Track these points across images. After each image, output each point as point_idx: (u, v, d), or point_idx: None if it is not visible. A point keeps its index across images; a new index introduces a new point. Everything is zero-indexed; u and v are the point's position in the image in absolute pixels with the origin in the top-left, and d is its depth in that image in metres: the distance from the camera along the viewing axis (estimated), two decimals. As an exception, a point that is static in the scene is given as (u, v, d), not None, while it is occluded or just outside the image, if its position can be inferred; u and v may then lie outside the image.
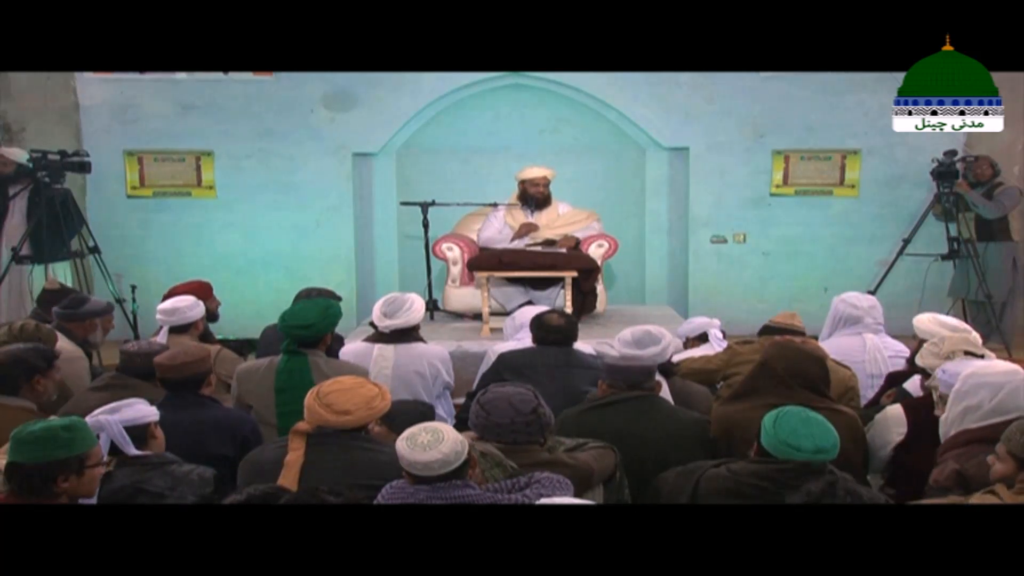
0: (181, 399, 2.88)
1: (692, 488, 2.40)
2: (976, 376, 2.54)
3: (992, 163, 6.16)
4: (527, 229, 5.42)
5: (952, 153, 6.09)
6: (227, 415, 2.94)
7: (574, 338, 3.61)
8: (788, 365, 2.84)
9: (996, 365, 2.62)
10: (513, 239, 5.45)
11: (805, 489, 1.95)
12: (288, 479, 2.38)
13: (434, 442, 2.08)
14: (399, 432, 2.35)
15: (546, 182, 5.51)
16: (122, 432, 2.41)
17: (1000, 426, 2.44)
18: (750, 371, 2.94)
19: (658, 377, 3.26)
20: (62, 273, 5.67)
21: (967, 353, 2.94)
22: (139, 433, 2.48)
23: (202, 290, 4.16)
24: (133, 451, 2.42)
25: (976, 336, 3.26)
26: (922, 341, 3.48)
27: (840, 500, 1.88)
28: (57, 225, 5.56)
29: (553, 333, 3.54)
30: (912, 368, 3.24)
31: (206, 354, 3.03)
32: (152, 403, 2.68)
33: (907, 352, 3.67)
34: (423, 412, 2.96)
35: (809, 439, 2.26)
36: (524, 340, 3.73)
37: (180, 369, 2.92)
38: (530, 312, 3.90)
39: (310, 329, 3.23)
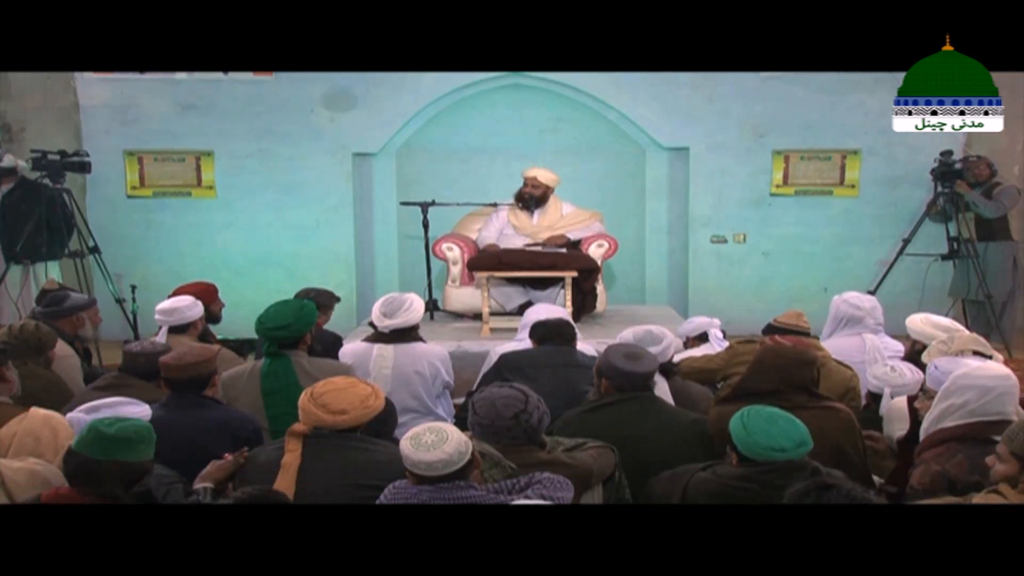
0: (184, 399, 2.88)
1: (681, 492, 2.41)
2: (966, 377, 2.52)
3: (990, 164, 6.16)
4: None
5: (948, 153, 6.09)
6: (229, 416, 2.93)
7: (574, 338, 3.61)
8: (781, 370, 2.82)
9: (989, 368, 2.60)
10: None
11: (798, 490, 1.93)
12: (285, 480, 2.38)
13: (438, 442, 2.08)
14: None
15: (536, 182, 5.51)
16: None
17: (978, 426, 2.45)
18: (744, 373, 2.93)
19: (657, 377, 3.27)
20: (43, 273, 5.63)
21: (976, 353, 2.94)
22: None
23: (207, 292, 4.16)
24: None
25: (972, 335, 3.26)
26: (915, 342, 3.48)
27: (832, 498, 1.87)
28: (45, 226, 5.55)
29: (551, 329, 3.56)
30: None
31: (211, 355, 3.03)
32: (152, 403, 2.68)
33: (904, 352, 3.67)
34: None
35: (785, 436, 2.27)
36: (526, 340, 3.74)
37: (185, 369, 2.91)
38: (537, 312, 3.89)
39: (287, 329, 3.24)
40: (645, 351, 3.03)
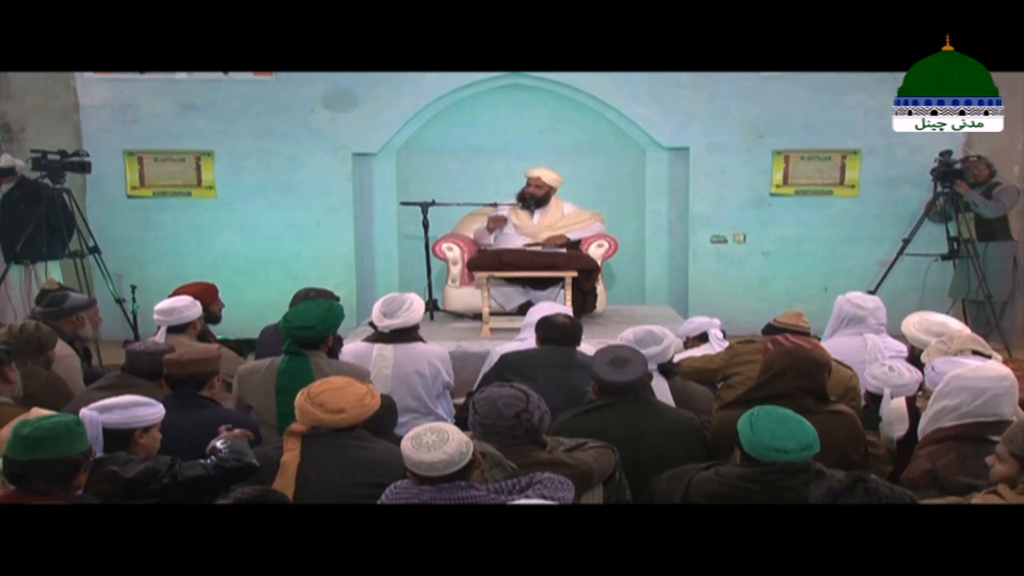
0: (180, 399, 2.89)
1: (683, 492, 2.41)
2: (960, 379, 2.53)
3: (989, 164, 6.16)
4: (495, 223, 5.46)
5: (948, 153, 6.09)
6: (226, 416, 2.94)
7: (578, 340, 3.60)
8: (805, 375, 2.81)
9: (985, 369, 2.59)
10: (489, 228, 5.49)
11: (841, 482, 1.93)
12: (285, 480, 2.39)
13: (439, 442, 2.09)
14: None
15: (539, 183, 5.51)
16: (98, 435, 2.40)
17: (974, 426, 2.45)
18: (762, 379, 2.90)
19: (657, 377, 3.27)
20: (43, 273, 5.64)
21: (975, 352, 2.94)
22: (122, 437, 2.47)
23: (207, 293, 4.15)
24: (98, 453, 2.39)
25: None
26: (912, 346, 3.47)
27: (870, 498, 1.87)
28: (45, 226, 5.56)
29: (557, 331, 3.54)
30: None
31: (212, 356, 3.04)
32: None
33: (907, 352, 3.67)
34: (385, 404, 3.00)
35: (791, 438, 2.26)
36: (527, 340, 3.73)
37: (185, 366, 2.94)
38: (541, 311, 3.88)
39: (312, 330, 3.23)
40: (633, 355, 2.99)
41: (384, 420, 2.88)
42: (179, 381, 2.93)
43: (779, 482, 2.24)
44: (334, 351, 3.44)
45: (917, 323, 3.48)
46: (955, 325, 3.49)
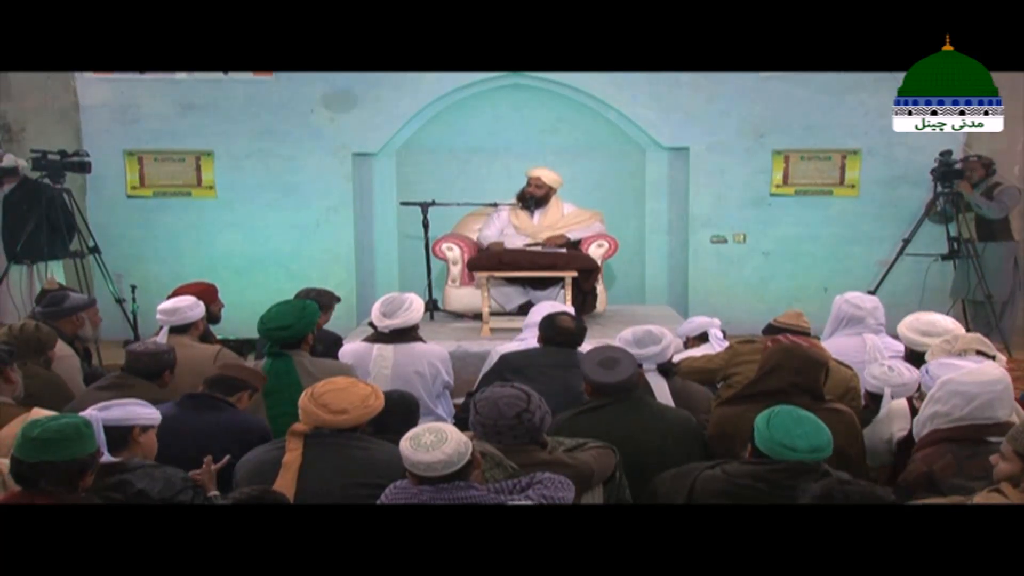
0: (199, 399, 2.89)
1: (688, 490, 2.41)
2: (952, 383, 2.52)
3: (985, 164, 6.14)
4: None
5: (947, 153, 6.09)
6: (237, 419, 2.93)
7: (580, 342, 3.59)
8: (799, 372, 2.81)
9: (978, 373, 2.57)
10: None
11: (810, 490, 1.94)
12: (286, 480, 2.39)
13: (437, 443, 2.09)
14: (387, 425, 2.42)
15: (539, 183, 5.52)
16: (100, 432, 2.39)
17: (969, 428, 2.45)
18: (758, 375, 2.91)
19: (657, 377, 3.27)
20: (45, 273, 5.64)
21: (979, 352, 2.93)
22: (121, 435, 2.47)
23: (207, 292, 4.15)
24: (105, 454, 2.38)
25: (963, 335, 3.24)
26: (907, 348, 3.47)
27: (845, 500, 1.87)
28: (45, 225, 5.56)
29: (561, 335, 3.53)
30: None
31: (263, 377, 3.08)
32: (155, 403, 2.68)
33: (903, 353, 3.66)
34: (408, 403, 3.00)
35: (803, 439, 2.27)
36: (528, 340, 3.73)
37: (233, 369, 3.00)
38: (543, 310, 3.88)
39: (290, 330, 3.25)
40: (623, 356, 2.99)
41: (411, 416, 2.90)
42: (218, 381, 2.94)
43: (786, 481, 2.24)
44: (316, 349, 3.45)
45: (910, 324, 3.48)
46: (946, 323, 3.48)
